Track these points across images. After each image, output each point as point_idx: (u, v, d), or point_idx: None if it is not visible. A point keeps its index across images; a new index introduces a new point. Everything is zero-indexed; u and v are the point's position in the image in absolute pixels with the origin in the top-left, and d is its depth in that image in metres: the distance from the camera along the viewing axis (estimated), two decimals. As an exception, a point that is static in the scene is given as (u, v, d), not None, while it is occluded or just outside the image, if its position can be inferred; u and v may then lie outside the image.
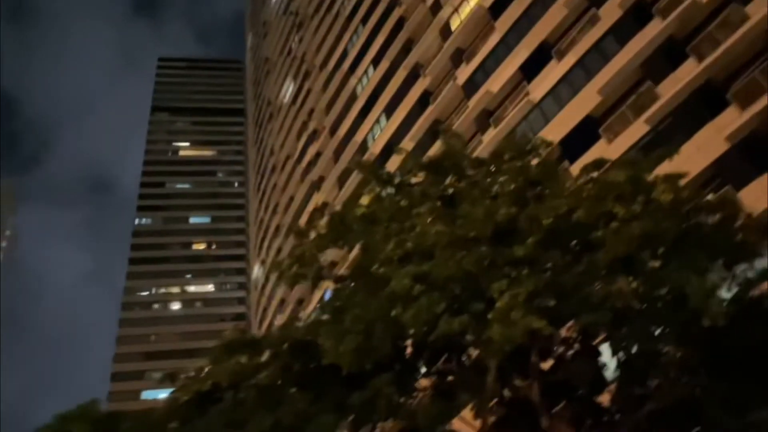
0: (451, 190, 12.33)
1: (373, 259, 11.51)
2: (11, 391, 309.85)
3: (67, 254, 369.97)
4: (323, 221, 12.27)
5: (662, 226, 9.42)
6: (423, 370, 13.99)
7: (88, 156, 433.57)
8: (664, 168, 11.52)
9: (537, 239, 9.51)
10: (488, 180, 11.84)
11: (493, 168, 12.31)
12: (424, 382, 14.08)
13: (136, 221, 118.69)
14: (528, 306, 8.64)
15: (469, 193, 11.37)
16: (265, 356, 12.44)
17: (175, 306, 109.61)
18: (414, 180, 13.01)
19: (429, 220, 10.36)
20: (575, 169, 20.41)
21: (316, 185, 55.99)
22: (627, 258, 9.41)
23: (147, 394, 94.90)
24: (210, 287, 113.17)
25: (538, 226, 9.75)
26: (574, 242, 9.92)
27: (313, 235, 12.41)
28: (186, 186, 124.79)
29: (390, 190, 13.06)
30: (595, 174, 11.65)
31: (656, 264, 9.95)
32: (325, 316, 12.03)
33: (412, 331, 11.78)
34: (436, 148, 32.96)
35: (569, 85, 29.98)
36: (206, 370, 12.76)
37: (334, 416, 10.41)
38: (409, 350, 13.13)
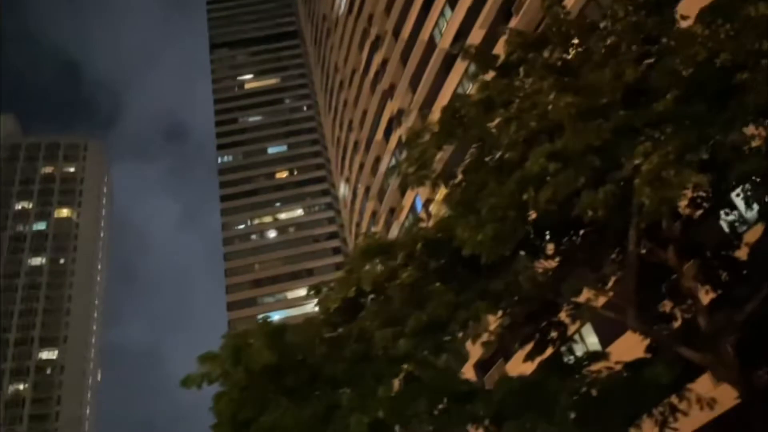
0: (559, 63, 11.77)
1: (491, 148, 11.34)
2: (138, 336, 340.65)
3: (158, 204, 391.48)
4: (437, 119, 12.09)
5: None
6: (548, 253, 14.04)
7: (159, 107, 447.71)
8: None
9: (677, 93, 9.00)
10: (602, 44, 11.18)
11: (603, 31, 11.57)
12: (550, 263, 14.17)
13: (219, 160, 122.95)
14: (680, 163, 8.33)
15: (587, 60, 10.82)
16: (398, 259, 12.80)
17: (271, 234, 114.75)
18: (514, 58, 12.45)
19: (551, 95, 9.97)
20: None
21: (388, 94, 55.22)
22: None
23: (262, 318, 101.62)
24: (299, 212, 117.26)
25: (675, 79, 9.20)
26: (716, 90, 9.29)
27: (426, 134, 12.31)
28: (258, 118, 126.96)
29: (491, 73, 12.62)
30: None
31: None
32: (451, 213, 12.13)
33: (534, 215, 11.74)
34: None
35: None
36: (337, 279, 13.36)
37: (484, 302, 10.72)
38: (533, 233, 13.14)
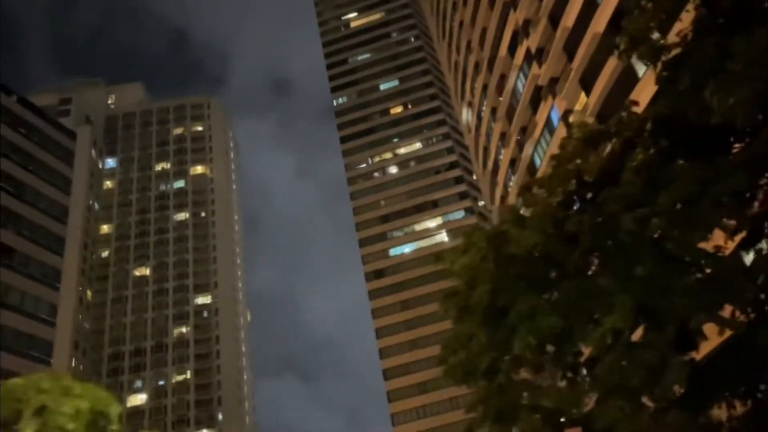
0: None
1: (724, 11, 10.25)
2: (270, 281, 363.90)
3: (273, 156, 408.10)
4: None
5: None
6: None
7: (263, 62, 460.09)
8: None
9: None
10: None
11: None
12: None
13: (334, 102, 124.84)
14: None
15: None
16: (617, 145, 12.20)
17: (392, 170, 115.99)
18: None
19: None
20: None
21: (511, 5, 52.51)
22: None
23: (394, 251, 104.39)
24: (417, 145, 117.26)
25: None
26: None
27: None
28: (367, 56, 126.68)
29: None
30: None
31: None
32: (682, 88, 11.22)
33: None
34: None
35: None
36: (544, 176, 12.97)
37: (743, 173, 9.91)
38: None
